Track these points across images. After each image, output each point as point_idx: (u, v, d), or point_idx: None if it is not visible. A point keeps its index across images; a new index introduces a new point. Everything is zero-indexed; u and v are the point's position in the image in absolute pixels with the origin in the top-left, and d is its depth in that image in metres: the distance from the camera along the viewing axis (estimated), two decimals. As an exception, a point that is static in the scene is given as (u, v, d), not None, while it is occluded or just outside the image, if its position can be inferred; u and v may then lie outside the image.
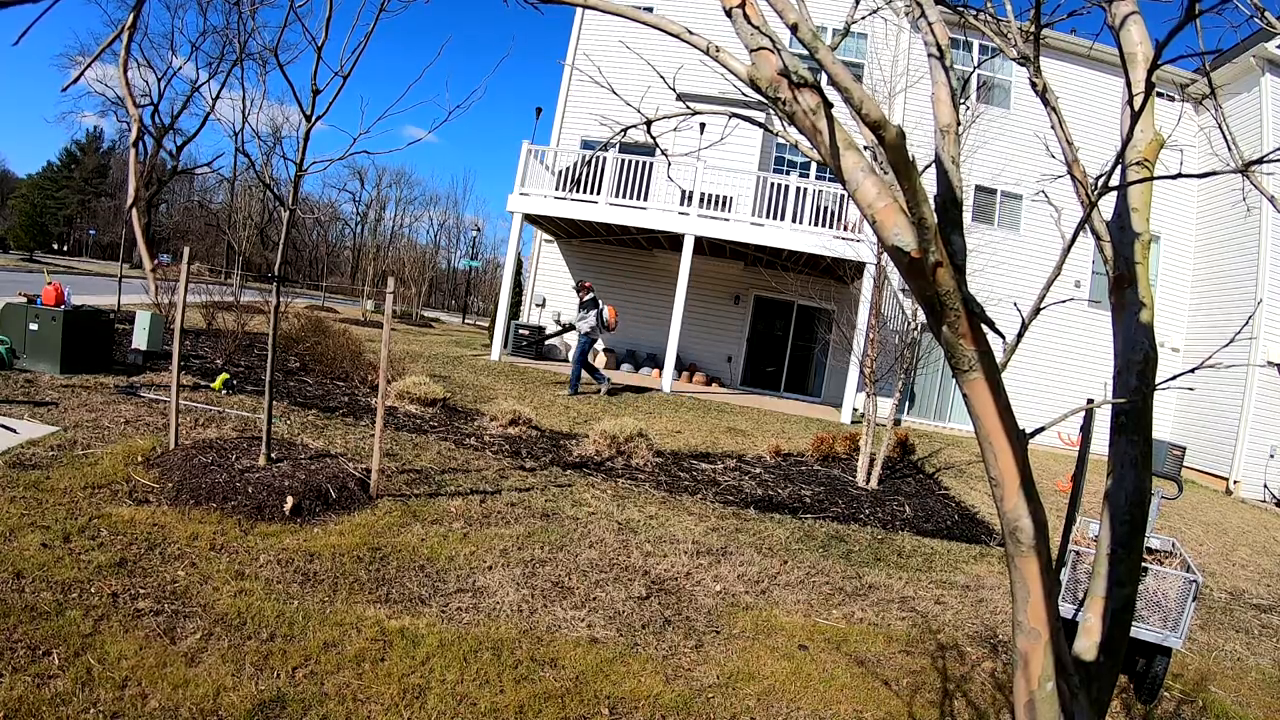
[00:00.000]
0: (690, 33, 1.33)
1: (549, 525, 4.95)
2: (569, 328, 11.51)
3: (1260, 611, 5.68)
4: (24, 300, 7.25)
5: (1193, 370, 1.57)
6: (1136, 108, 1.36)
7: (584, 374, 10.72)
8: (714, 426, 9.65)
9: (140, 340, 8.17)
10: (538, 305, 15.91)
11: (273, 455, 4.88)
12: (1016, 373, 13.02)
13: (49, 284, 7.41)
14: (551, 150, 14.15)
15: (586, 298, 10.67)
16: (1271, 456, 12.15)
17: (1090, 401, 2.39)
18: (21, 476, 4.08)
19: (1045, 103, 1.63)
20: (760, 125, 1.75)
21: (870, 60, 12.60)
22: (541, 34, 65.69)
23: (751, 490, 6.92)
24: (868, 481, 7.69)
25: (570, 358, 10.57)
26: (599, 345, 15.42)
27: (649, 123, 1.68)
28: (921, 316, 7.94)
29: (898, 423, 9.11)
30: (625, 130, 1.81)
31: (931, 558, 5.69)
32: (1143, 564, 3.64)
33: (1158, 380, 1.39)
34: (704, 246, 13.19)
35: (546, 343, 14.69)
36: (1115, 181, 1.35)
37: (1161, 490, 4.37)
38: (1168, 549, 4.20)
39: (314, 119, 4.45)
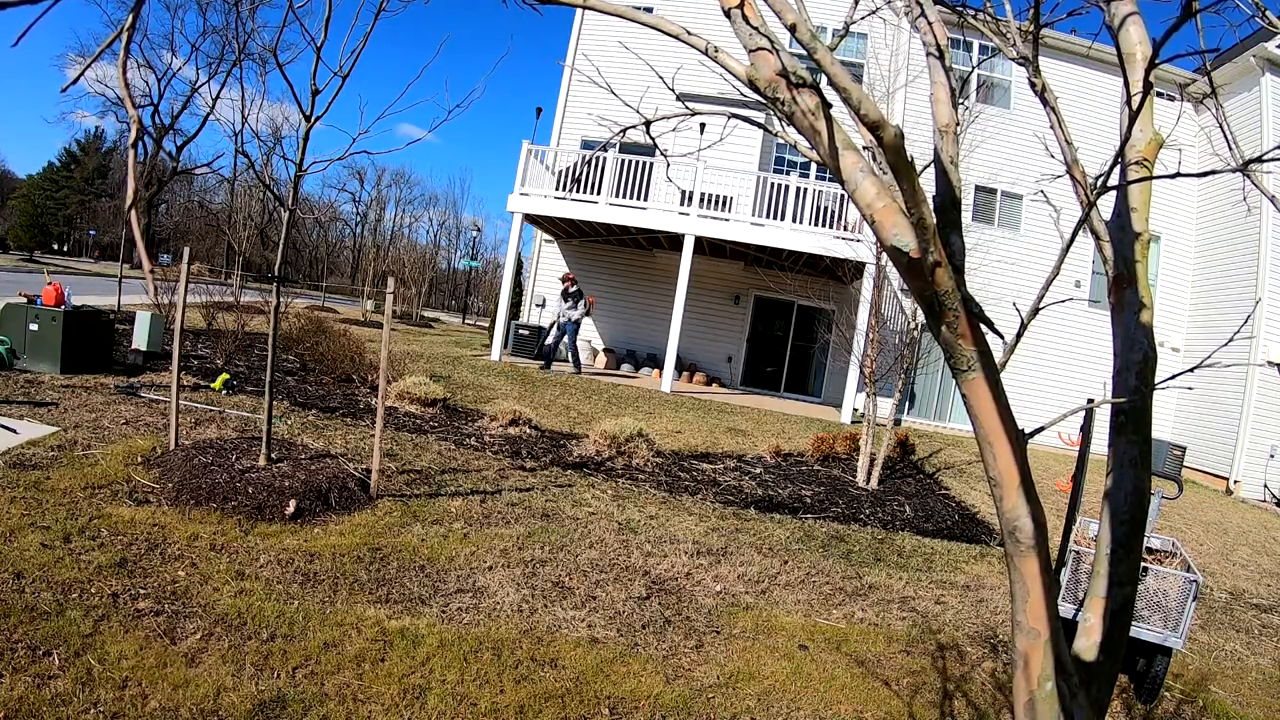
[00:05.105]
0: (689, 33, 1.33)
1: (549, 525, 4.95)
2: (564, 322, 13.05)
3: (1260, 611, 5.68)
4: (24, 300, 7.25)
5: (1192, 370, 1.57)
6: (1135, 107, 1.36)
7: (545, 354, 12.96)
8: (714, 426, 9.65)
9: (140, 340, 8.17)
10: (538, 305, 15.91)
11: (273, 455, 4.88)
12: (1016, 373, 13.02)
13: (49, 284, 7.41)
14: (551, 150, 14.15)
15: (573, 289, 12.69)
16: (1272, 456, 12.15)
17: (1090, 401, 2.39)
18: (22, 477, 4.08)
19: (1044, 102, 1.63)
20: (760, 126, 1.75)
21: (869, 60, 12.61)
22: (541, 34, 65.65)
23: (751, 490, 6.92)
24: (868, 481, 7.69)
25: (566, 344, 12.99)
26: (598, 346, 15.46)
27: (648, 123, 1.68)
28: (921, 316, 7.92)
29: (898, 423, 9.10)
30: (624, 131, 1.81)
31: (931, 558, 5.69)
32: (1143, 564, 3.64)
33: (1157, 380, 1.39)
34: (704, 246, 13.19)
35: (547, 342, 14.69)
36: (1114, 181, 1.35)
37: (1161, 490, 4.37)
38: (1168, 549, 4.20)
39: (313, 119, 4.45)
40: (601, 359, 15.16)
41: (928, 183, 1.28)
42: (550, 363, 12.84)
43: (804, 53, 1.15)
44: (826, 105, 1.21)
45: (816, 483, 7.54)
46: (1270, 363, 12.13)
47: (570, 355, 12.90)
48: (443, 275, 58.68)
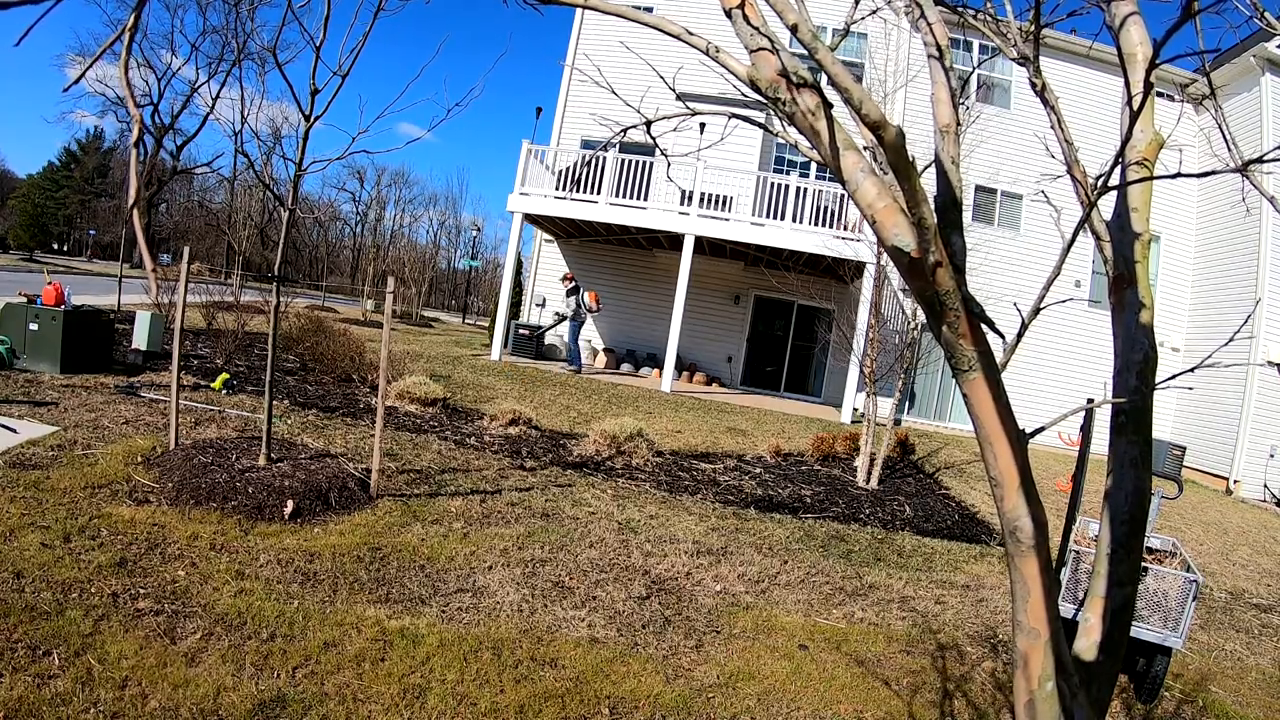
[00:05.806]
0: (690, 33, 1.33)
1: (549, 525, 4.95)
2: (561, 318, 13.47)
3: (1260, 611, 5.68)
4: (24, 300, 7.25)
5: (1192, 370, 1.57)
6: (1136, 107, 1.36)
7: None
8: (714, 426, 9.65)
9: (140, 340, 8.17)
10: (538, 305, 15.91)
11: (273, 455, 4.88)
12: (1017, 373, 13.01)
13: (49, 284, 7.41)
14: (552, 150, 14.15)
15: (570, 286, 13.09)
16: (1272, 456, 12.15)
17: (1090, 401, 2.39)
18: (22, 476, 4.08)
19: (1045, 102, 1.63)
20: (760, 125, 1.75)
21: (870, 60, 12.61)
22: (541, 34, 65.72)
23: (751, 490, 6.92)
24: (868, 481, 7.68)
25: (567, 342, 13.30)
26: (598, 346, 15.47)
27: (648, 123, 1.68)
28: (921, 316, 7.95)
29: (898, 422, 9.10)
30: (625, 131, 1.81)
31: (931, 557, 5.69)
32: (1143, 564, 3.64)
33: (1157, 380, 1.39)
34: (704, 246, 13.19)
35: (546, 341, 14.74)
36: (1115, 181, 1.35)
37: (1161, 490, 4.37)
38: (1168, 549, 4.20)
39: (313, 119, 4.45)
40: (601, 359, 15.17)
41: (928, 183, 1.28)
42: (576, 362, 13.06)
43: (805, 53, 1.15)
44: (827, 105, 1.21)
45: (816, 482, 7.54)
46: (1270, 363, 12.13)
47: (573, 353, 13.11)
48: (443, 275, 58.66)
